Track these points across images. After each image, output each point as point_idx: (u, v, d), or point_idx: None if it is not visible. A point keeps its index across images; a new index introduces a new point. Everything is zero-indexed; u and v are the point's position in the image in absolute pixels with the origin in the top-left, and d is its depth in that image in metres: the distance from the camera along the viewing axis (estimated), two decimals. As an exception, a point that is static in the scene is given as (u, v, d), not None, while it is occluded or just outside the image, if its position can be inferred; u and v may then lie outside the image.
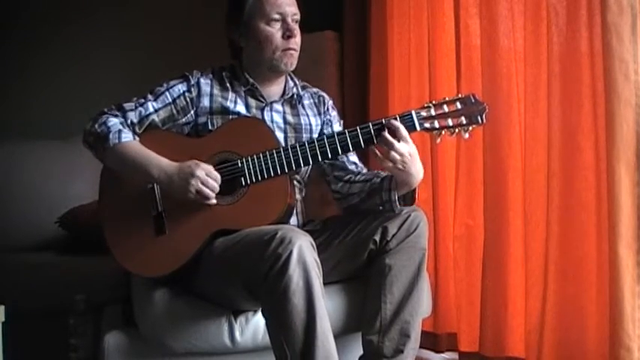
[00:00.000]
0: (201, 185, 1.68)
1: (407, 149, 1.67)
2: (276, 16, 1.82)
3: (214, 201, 1.71)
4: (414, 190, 1.77)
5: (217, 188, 1.70)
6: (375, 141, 1.71)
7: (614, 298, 1.79)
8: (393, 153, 1.66)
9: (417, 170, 1.71)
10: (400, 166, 1.68)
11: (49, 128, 2.97)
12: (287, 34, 1.82)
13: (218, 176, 1.71)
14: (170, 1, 3.25)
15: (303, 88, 1.99)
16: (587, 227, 1.92)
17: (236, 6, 1.86)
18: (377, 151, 1.69)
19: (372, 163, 1.82)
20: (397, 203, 1.75)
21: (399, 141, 1.67)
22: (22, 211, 2.71)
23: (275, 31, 1.82)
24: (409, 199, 1.79)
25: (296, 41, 1.85)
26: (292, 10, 1.84)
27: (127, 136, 1.76)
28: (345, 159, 1.92)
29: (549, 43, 1.97)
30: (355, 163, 1.94)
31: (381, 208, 1.78)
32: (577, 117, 1.93)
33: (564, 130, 1.95)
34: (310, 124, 1.94)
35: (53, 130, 2.91)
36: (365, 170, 1.94)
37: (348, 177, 1.89)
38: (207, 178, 1.69)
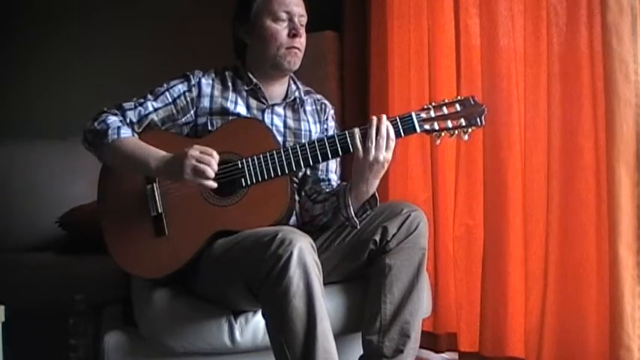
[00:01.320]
0: (195, 162, 1.63)
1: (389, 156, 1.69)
2: (283, 15, 1.83)
3: (214, 184, 1.66)
4: (374, 195, 1.77)
5: (214, 165, 1.65)
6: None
7: (614, 298, 1.79)
8: (378, 151, 1.67)
9: (378, 181, 1.74)
10: (379, 167, 1.69)
11: (49, 128, 2.97)
12: (292, 33, 1.83)
13: (214, 153, 1.66)
14: (170, 1, 3.25)
15: (307, 93, 1.99)
16: (587, 227, 1.91)
17: (244, 3, 1.87)
18: (371, 144, 1.69)
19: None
20: (355, 220, 1.75)
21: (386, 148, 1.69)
22: (22, 211, 2.71)
23: (281, 28, 1.83)
24: (373, 204, 1.78)
25: (301, 41, 1.85)
26: (299, 11, 1.85)
27: (126, 132, 1.76)
28: (321, 173, 1.92)
29: (549, 43, 1.97)
30: (328, 180, 1.93)
31: (347, 223, 1.79)
32: (577, 117, 1.92)
33: (564, 130, 1.95)
34: (310, 131, 1.93)
35: (53, 130, 2.91)
36: (334, 185, 1.93)
37: (313, 196, 1.89)
38: (202, 155, 1.65)
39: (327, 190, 1.90)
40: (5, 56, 3.05)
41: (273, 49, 1.83)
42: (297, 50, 1.85)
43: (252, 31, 1.86)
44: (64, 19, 3.13)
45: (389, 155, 1.70)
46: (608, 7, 1.79)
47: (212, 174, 1.65)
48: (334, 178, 1.95)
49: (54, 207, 2.62)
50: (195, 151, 1.65)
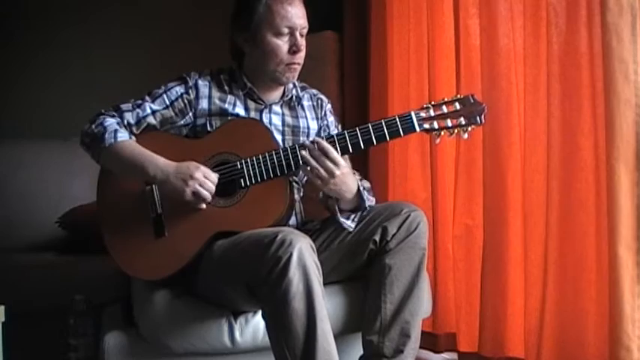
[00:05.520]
0: (198, 187, 1.68)
1: (337, 170, 1.68)
2: (285, 30, 1.80)
3: (204, 205, 1.71)
4: (364, 185, 1.79)
5: (214, 190, 1.70)
6: (374, 143, 1.71)
7: (614, 298, 1.79)
8: (321, 171, 1.68)
9: (349, 188, 1.74)
10: (331, 186, 1.70)
11: (49, 128, 2.98)
12: (293, 49, 1.81)
13: (215, 179, 1.71)
14: (170, 2, 3.25)
15: (303, 89, 1.99)
16: (587, 227, 1.91)
17: (245, 11, 1.83)
18: (308, 170, 1.69)
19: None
20: (346, 223, 1.78)
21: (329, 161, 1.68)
22: (22, 211, 2.71)
23: (282, 44, 1.81)
24: (369, 192, 1.80)
25: (301, 56, 1.83)
26: (302, 24, 1.82)
27: (123, 135, 1.76)
28: None
29: (549, 43, 1.96)
30: None
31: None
32: (577, 117, 1.92)
33: (564, 130, 1.95)
34: (308, 127, 1.94)
35: (53, 130, 2.91)
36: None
37: None
38: (206, 180, 1.69)
39: None
40: (5, 56, 3.05)
41: (273, 65, 1.82)
42: (297, 66, 1.84)
43: (252, 41, 1.84)
44: (64, 19, 3.13)
45: (339, 169, 1.68)
46: (608, 7, 1.79)
47: (209, 198, 1.70)
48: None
49: (54, 207, 2.63)
50: (200, 174, 1.69)
